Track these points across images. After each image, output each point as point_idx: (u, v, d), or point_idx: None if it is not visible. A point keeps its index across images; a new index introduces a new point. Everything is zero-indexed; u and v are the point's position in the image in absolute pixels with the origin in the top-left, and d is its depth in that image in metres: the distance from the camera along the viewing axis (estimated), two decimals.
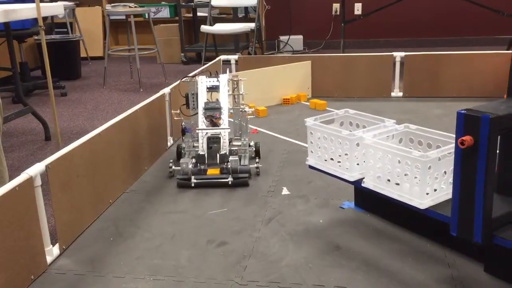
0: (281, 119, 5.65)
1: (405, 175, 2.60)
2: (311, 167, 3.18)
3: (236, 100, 4.04)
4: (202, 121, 3.77)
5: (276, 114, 5.88)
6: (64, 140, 5.21)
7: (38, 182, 2.76)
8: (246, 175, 3.68)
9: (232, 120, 4.16)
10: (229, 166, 3.70)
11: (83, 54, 9.51)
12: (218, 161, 3.71)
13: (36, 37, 8.28)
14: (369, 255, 2.83)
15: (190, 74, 4.13)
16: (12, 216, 2.53)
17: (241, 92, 4.03)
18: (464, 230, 2.29)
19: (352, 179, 2.87)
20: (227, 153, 3.70)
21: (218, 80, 3.92)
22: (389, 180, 2.70)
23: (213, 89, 3.91)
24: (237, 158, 3.71)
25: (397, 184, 2.65)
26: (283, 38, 10.38)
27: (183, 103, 4.25)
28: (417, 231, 2.97)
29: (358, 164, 2.91)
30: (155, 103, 4.44)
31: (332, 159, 3.03)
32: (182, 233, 3.17)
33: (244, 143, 4.05)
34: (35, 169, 2.73)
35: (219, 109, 3.76)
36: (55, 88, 7.06)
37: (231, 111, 4.00)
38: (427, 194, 2.50)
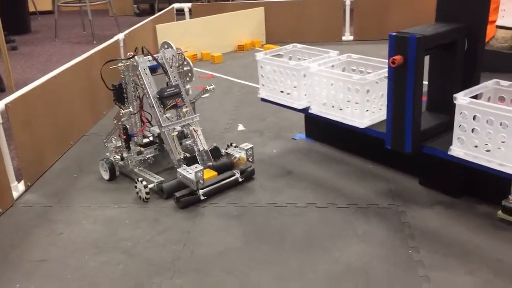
0: (236, 64, 5.79)
1: (347, 101, 2.83)
2: (263, 99, 3.37)
3: (187, 79, 3.15)
4: (158, 115, 2.88)
5: (231, 60, 6.01)
6: None
7: None
8: (251, 166, 3.07)
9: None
10: (224, 160, 3.06)
11: (31, 8, 9.21)
12: (206, 159, 3.00)
13: None
14: (318, 177, 3.09)
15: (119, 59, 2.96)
16: None
17: (187, 68, 3.13)
18: (397, 142, 2.56)
19: (300, 107, 3.09)
20: (202, 144, 3.01)
21: (161, 58, 2.97)
22: (333, 106, 2.92)
23: (152, 70, 2.96)
24: (217, 147, 3.13)
25: (341, 109, 2.88)
26: None
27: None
28: (361, 155, 3.25)
29: (305, 94, 3.12)
30: (110, 49, 4.49)
31: (282, 91, 3.23)
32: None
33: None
34: None
35: (179, 94, 2.93)
36: (5, 42, 6.88)
37: (190, 92, 3.17)
38: (367, 113, 2.74)
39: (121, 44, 4.72)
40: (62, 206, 2.90)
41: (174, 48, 3.03)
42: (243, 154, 2.99)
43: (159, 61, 2.95)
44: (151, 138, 3.20)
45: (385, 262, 2.26)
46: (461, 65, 2.56)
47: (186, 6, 6.79)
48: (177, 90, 2.92)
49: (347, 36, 6.62)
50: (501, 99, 2.55)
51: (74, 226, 2.68)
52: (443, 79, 2.63)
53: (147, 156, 3.14)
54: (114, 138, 3.15)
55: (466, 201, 2.68)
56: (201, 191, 2.78)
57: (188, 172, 2.73)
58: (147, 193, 2.83)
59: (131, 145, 3.06)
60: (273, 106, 3.41)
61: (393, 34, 2.38)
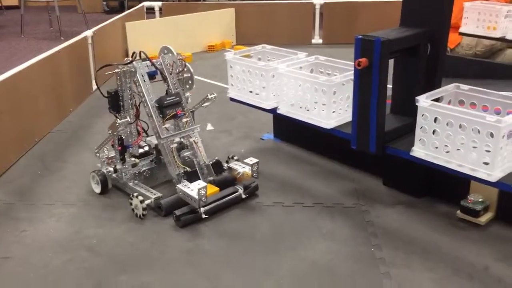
0: (206, 64, 5.79)
1: (315, 102, 2.87)
2: (232, 99, 3.39)
3: (186, 86, 2.95)
4: (157, 125, 2.67)
5: (201, 60, 6.01)
6: None
7: None
8: (254, 181, 2.86)
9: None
10: (225, 174, 2.86)
11: None
12: (207, 174, 2.81)
13: None
14: (285, 176, 3.13)
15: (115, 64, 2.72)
16: None
17: (187, 74, 2.94)
18: (361, 143, 2.62)
19: (268, 107, 3.13)
20: (203, 157, 2.81)
21: (160, 64, 2.78)
22: (301, 107, 2.97)
23: (150, 77, 2.75)
24: (219, 162, 2.87)
25: (308, 110, 2.93)
26: None
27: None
28: (328, 155, 3.30)
29: (274, 95, 3.16)
30: (77, 46, 4.43)
31: (251, 91, 3.26)
32: None
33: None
34: None
35: (180, 103, 2.73)
36: None
37: (189, 100, 2.96)
38: (333, 114, 2.80)
39: (89, 41, 4.66)
40: (25, 204, 2.84)
41: (175, 53, 2.84)
42: (247, 169, 2.80)
43: (158, 67, 2.76)
44: (146, 148, 3.00)
45: (348, 260, 2.31)
46: (424, 69, 2.65)
47: (156, 4, 6.75)
48: (178, 99, 2.71)
49: (317, 39, 6.71)
50: (461, 103, 2.65)
51: (37, 224, 2.64)
52: (406, 82, 2.71)
53: (143, 169, 2.91)
54: (107, 148, 2.92)
55: (427, 201, 2.77)
56: (202, 209, 2.58)
57: (190, 189, 2.51)
58: (144, 209, 2.60)
59: (126, 156, 2.83)
60: (242, 106, 3.43)
61: (359, 37, 2.44)
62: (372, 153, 2.60)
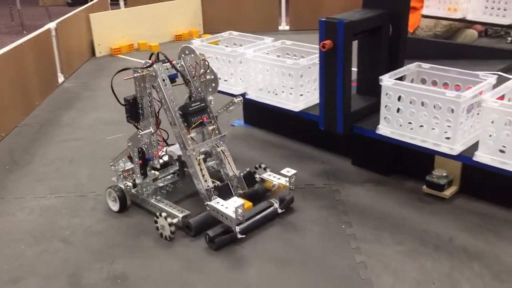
0: (174, 54, 5.74)
1: (283, 86, 2.92)
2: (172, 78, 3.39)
3: (209, 89, 2.59)
4: (182, 135, 2.37)
5: (169, 49, 5.93)
6: None
7: None
8: (290, 193, 2.57)
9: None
10: (256, 188, 2.54)
11: None
12: (236, 186, 2.51)
13: None
14: (257, 161, 3.15)
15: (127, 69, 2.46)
16: None
17: (210, 76, 2.58)
18: (329, 124, 2.68)
19: (237, 93, 3.15)
20: (233, 168, 2.51)
21: (181, 65, 2.50)
22: (269, 92, 3.00)
23: (171, 80, 2.46)
24: (251, 172, 2.55)
25: (276, 94, 2.97)
26: None
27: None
28: (298, 139, 3.36)
29: (242, 80, 3.19)
30: (41, 39, 4.35)
31: (219, 78, 3.27)
32: (80, 157, 3.28)
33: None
34: None
35: (205, 109, 2.45)
36: None
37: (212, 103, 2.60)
38: (301, 97, 2.85)
39: (53, 33, 4.58)
40: None
41: (198, 54, 2.53)
42: (283, 181, 2.50)
43: (180, 69, 2.47)
44: (165, 158, 2.70)
45: (321, 237, 2.37)
46: (387, 49, 2.72)
47: None
48: (203, 104, 2.42)
49: (283, 26, 6.75)
50: (423, 81, 2.73)
51: (8, 217, 2.61)
52: (370, 63, 2.78)
53: (166, 183, 2.62)
54: (122, 161, 2.64)
55: (394, 178, 2.85)
56: (237, 228, 2.30)
57: (224, 207, 2.23)
58: (172, 232, 2.31)
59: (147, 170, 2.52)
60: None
61: (323, 19, 2.48)
62: (340, 134, 2.66)
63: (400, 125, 2.46)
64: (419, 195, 2.68)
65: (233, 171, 2.50)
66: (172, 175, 2.70)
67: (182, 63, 2.49)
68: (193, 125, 2.38)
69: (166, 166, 2.72)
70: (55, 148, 3.41)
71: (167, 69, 2.42)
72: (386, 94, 2.45)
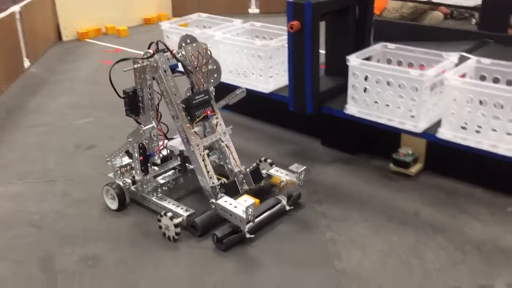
0: (143, 38, 5.66)
1: (252, 68, 2.93)
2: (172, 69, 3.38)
3: (211, 80, 2.45)
4: (185, 130, 2.24)
5: (138, 33, 5.89)
6: None
7: None
8: (297, 189, 2.46)
9: None
10: (262, 184, 2.44)
11: None
12: (241, 182, 2.38)
13: None
14: None
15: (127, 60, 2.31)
16: None
17: (212, 66, 2.42)
18: (298, 104, 2.72)
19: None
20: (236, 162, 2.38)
21: (181, 55, 2.32)
22: (239, 74, 3.02)
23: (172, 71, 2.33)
24: (258, 168, 2.41)
25: (246, 76, 2.99)
26: None
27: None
28: (269, 121, 3.38)
29: None
30: (5, 22, 4.23)
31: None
32: (48, 142, 3.24)
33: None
34: None
35: (209, 102, 2.31)
36: None
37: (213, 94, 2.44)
38: (271, 79, 2.87)
39: (17, 16, 4.46)
40: None
41: (200, 42, 2.36)
42: (293, 178, 2.41)
43: (180, 59, 2.31)
44: (164, 152, 2.57)
45: (292, 216, 2.42)
46: (354, 30, 2.76)
47: None
48: (207, 97, 2.28)
49: (253, 9, 6.74)
50: (389, 61, 2.79)
51: None
52: (338, 44, 2.82)
53: (167, 179, 2.49)
54: (120, 156, 2.53)
55: (362, 157, 2.92)
56: (247, 229, 2.18)
57: (233, 206, 2.13)
58: (177, 233, 2.19)
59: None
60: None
61: (290, 0, 2.50)
62: (309, 114, 2.70)
63: (367, 104, 2.51)
64: (386, 173, 2.75)
65: (238, 167, 2.39)
66: (173, 170, 2.56)
67: (183, 52, 2.32)
68: (197, 119, 2.25)
69: (166, 160, 2.58)
70: (22, 134, 3.35)
71: (168, 59, 2.26)
72: (353, 74, 2.50)
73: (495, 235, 2.24)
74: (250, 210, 2.09)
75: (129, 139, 2.30)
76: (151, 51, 2.23)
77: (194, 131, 2.27)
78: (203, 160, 2.26)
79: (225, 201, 2.16)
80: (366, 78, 2.47)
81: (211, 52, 2.36)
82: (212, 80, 2.43)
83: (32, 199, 2.61)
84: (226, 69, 3.05)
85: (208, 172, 2.26)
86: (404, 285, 1.97)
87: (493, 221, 2.33)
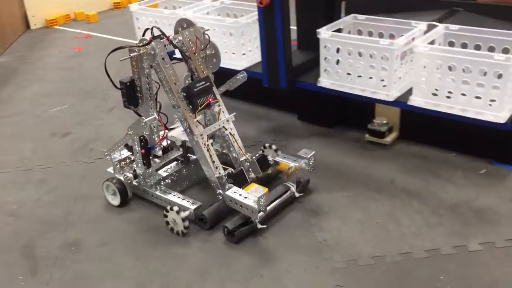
0: (114, 23, 5.60)
1: (226, 45, 2.92)
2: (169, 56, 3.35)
3: (210, 66, 2.36)
4: (187, 119, 2.14)
5: (108, 18, 5.79)
6: None
7: None
8: (307, 175, 2.39)
9: None
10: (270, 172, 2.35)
11: None
12: (253, 172, 2.29)
13: None
14: None
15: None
16: None
17: (210, 51, 2.32)
18: (272, 80, 2.72)
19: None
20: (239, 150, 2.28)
21: (178, 41, 2.21)
22: None
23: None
24: (266, 156, 2.32)
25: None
26: None
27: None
28: (245, 99, 3.38)
29: None
30: None
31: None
32: (22, 131, 3.20)
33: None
34: None
35: (211, 89, 2.21)
36: None
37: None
38: (243, 56, 2.87)
39: None
40: None
41: (198, 26, 2.25)
42: (302, 164, 2.32)
43: (178, 45, 2.19)
44: (164, 143, 2.46)
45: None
46: (323, 4, 2.76)
47: None
48: (208, 84, 2.19)
49: None
50: (360, 32, 2.81)
51: None
52: (309, 17, 2.82)
53: (170, 172, 2.40)
54: (118, 150, 2.42)
55: (338, 129, 2.95)
56: (258, 219, 2.11)
57: (243, 197, 2.06)
58: (186, 227, 2.12)
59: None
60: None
61: None
62: (283, 89, 2.72)
63: (340, 77, 2.54)
64: (362, 144, 2.79)
65: (244, 155, 2.29)
66: (175, 162, 2.46)
67: (180, 38, 2.21)
68: (200, 108, 2.15)
69: (167, 152, 2.48)
70: None
71: (165, 46, 2.14)
72: (325, 46, 2.51)
73: (469, 197, 2.30)
74: (262, 200, 2.01)
75: (129, 132, 2.20)
76: (147, 38, 2.10)
77: (197, 121, 2.18)
78: (207, 150, 2.16)
79: (235, 192, 2.09)
80: (338, 50, 2.49)
81: (209, 36, 2.25)
82: (211, 66, 2.34)
83: (10, 188, 2.58)
84: None
85: (213, 162, 2.17)
86: (383, 250, 2.02)
87: (466, 184, 2.40)
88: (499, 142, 2.46)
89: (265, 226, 2.16)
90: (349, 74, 2.51)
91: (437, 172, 2.50)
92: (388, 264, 1.96)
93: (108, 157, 2.42)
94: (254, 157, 2.29)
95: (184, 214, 2.11)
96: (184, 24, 2.26)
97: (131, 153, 2.37)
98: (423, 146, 2.70)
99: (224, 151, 2.40)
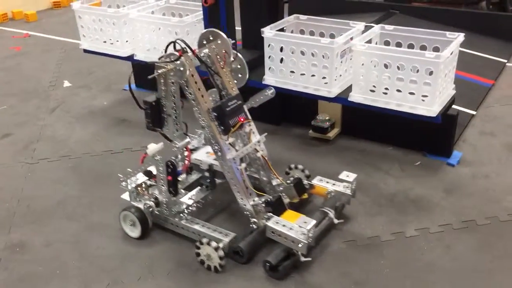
0: (54, 22, 5.45)
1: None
2: (86, 51, 3.30)
3: (234, 81, 2.12)
4: (220, 142, 1.92)
5: (48, 17, 5.64)
6: None
7: None
8: (348, 200, 2.19)
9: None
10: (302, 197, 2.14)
11: None
12: (287, 197, 2.11)
13: None
14: None
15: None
16: None
17: (235, 65, 2.10)
18: None
19: (125, 55, 3.11)
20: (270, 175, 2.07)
21: (204, 54, 2.01)
22: (158, 52, 3.00)
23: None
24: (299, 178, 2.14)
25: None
26: None
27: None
28: None
29: (129, 42, 3.14)
30: None
31: (105, 41, 3.20)
32: None
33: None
34: None
35: (242, 107, 2.01)
36: None
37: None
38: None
39: None
40: None
41: (226, 38, 2.01)
42: (342, 189, 2.14)
43: (203, 59, 1.97)
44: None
45: (222, 186, 2.47)
46: (267, 4, 2.83)
47: None
48: (240, 102, 1.98)
49: None
50: (302, 32, 2.90)
51: None
52: (253, 17, 2.88)
53: (195, 199, 2.14)
54: (134, 174, 2.18)
55: (285, 127, 3.05)
56: (302, 253, 1.90)
57: (288, 228, 1.85)
58: (221, 264, 1.88)
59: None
60: (100, 60, 3.34)
61: None
62: None
63: (284, 74, 2.62)
64: (306, 140, 2.89)
65: (279, 180, 2.12)
66: (201, 188, 2.21)
67: (206, 51, 2.00)
68: (233, 129, 1.94)
69: (187, 175, 2.27)
70: None
71: (191, 60, 1.92)
72: (269, 45, 2.58)
73: (406, 187, 2.45)
74: (311, 233, 1.80)
75: (155, 158, 1.95)
76: (175, 52, 1.88)
77: (229, 143, 1.96)
78: (241, 175, 1.95)
79: (277, 223, 1.88)
80: (281, 49, 2.57)
81: (236, 49, 1.99)
82: (236, 81, 2.12)
83: None
84: (144, 48, 3.04)
85: (247, 188, 1.96)
86: (329, 239, 2.11)
87: (403, 175, 2.54)
88: (432, 135, 2.62)
89: (309, 259, 1.95)
90: (292, 72, 2.60)
91: (376, 165, 2.63)
92: (334, 252, 2.04)
93: (123, 183, 2.15)
94: (289, 182, 2.13)
95: (221, 251, 1.86)
96: (210, 36, 2.03)
97: (149, 179, 2.12)
98: (363, 141, 2.84)
99: (253, 174, 2.18)
